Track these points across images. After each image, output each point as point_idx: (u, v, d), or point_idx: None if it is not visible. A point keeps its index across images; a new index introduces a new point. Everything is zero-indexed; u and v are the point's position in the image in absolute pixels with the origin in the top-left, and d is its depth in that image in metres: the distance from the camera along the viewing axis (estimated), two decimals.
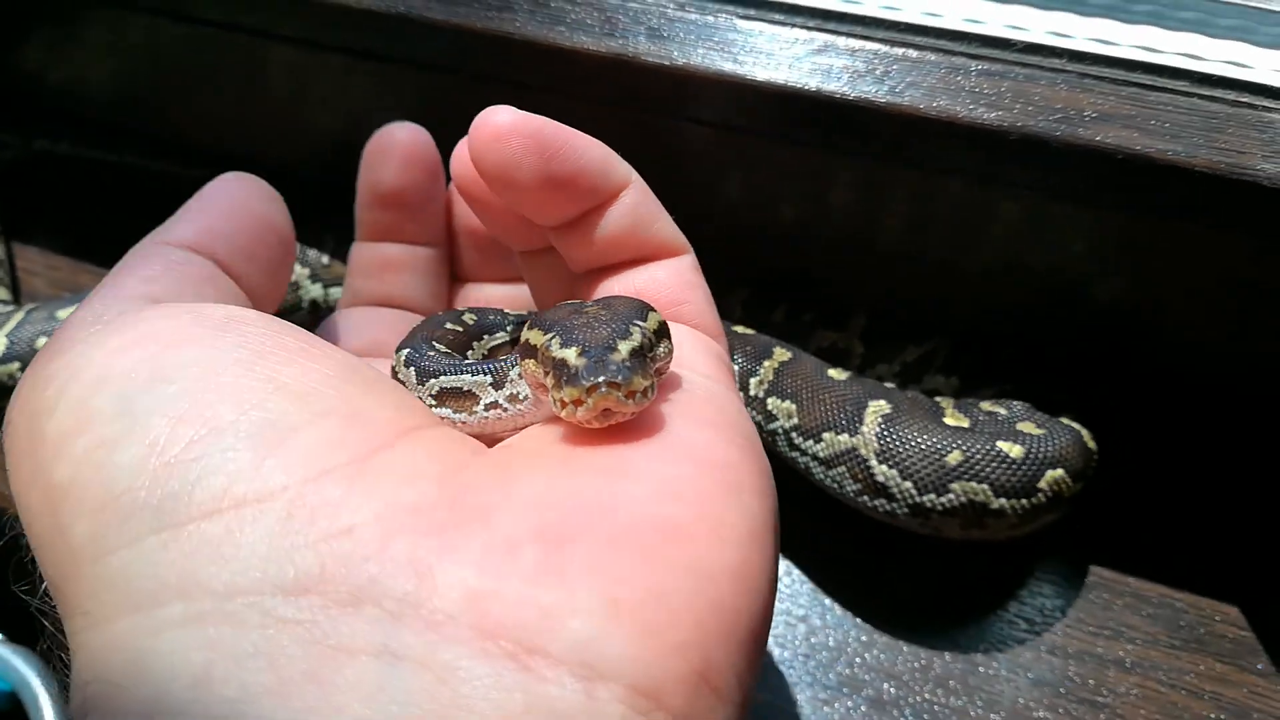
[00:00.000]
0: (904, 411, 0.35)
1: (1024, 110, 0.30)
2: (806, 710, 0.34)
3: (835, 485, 0.35)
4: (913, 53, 0.31)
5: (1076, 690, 0.34)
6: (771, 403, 0.37)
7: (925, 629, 0.36)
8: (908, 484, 0.33)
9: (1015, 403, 0.38)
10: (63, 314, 0.44)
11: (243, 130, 0.49)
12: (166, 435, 0.16)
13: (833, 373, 0.37)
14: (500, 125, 0.21)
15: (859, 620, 0.37)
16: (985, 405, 0.38)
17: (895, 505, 0.34)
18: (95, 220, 0.50)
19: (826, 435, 0.35)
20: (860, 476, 0.34)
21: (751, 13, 0.33)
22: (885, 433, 0.34)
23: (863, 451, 0.34)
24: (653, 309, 0.23)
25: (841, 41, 0.32)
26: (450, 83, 0.35)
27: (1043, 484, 0.33)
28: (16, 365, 0.43)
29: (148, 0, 0.40)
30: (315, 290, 0.45)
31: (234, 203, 0.23)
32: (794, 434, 0.36)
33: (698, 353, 0.23)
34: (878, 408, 0.35)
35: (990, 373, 0.41)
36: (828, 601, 0.37)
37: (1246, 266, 0.33)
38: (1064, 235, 0.35)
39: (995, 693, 0.34)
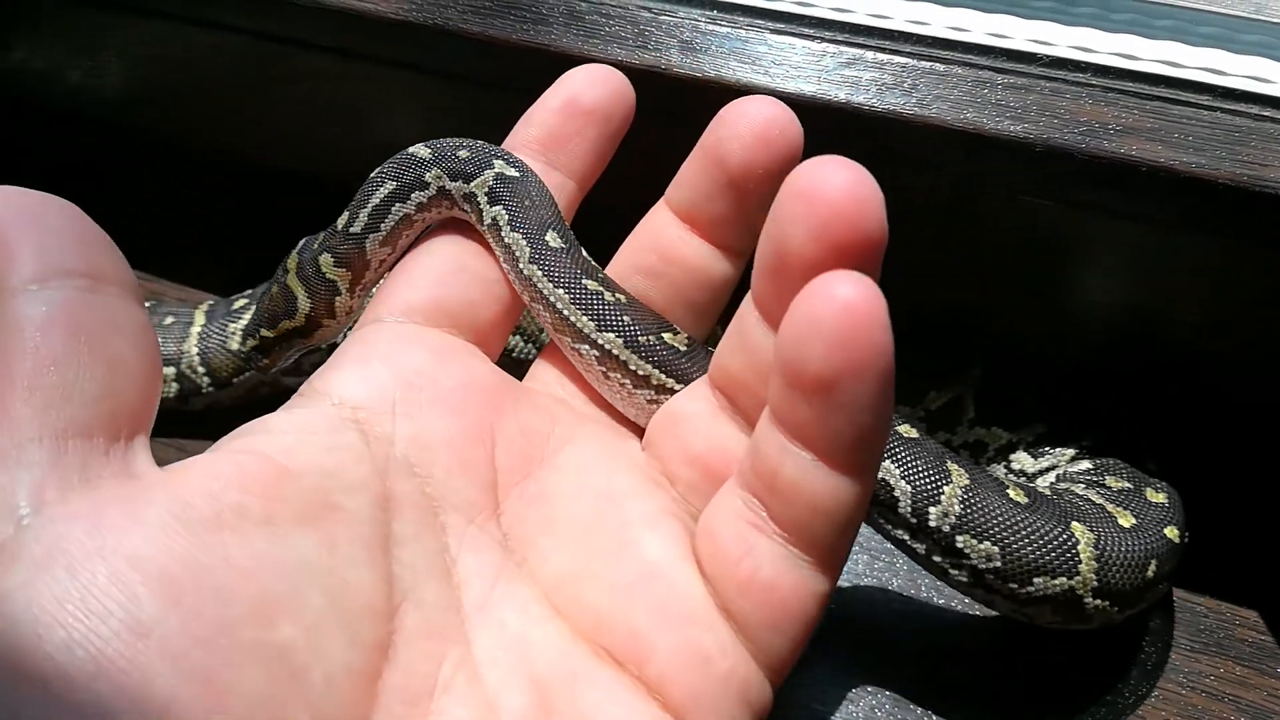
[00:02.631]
0: (1097, 522, 0.33)
1: (1050, 123, 0.31)
2: (823, 694, 0.34)
3: (1026, 618, 0.33)
4: (939, 66, 0.32)
5: (1095, 692, 0.35)
6: (963, 541, 0.32)
7: (940, 631, 0.37)
8: (1115, 609, 0.33)
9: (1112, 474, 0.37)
10: None
11: (293, 145, 0.50)
12: None
13: (1014, 494, 0.33)
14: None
15: (863, 614, 0.37)
16: (1112, 481, 0.37)
17: (1090, 625, 0.33)
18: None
19: (1039, 580, 0.32)
20: (1067, 610, 0.32)
21: (782, 27, 0.34)
22: (1103, 568, 0.32)
23: (1079, 590, 0.32)
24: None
25: (870, 55, 0.32)
26: (488, 97, 0.35)
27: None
28: None
29: (177, 8, 0.41)
30: None
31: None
32: (990, 575, 0.32)
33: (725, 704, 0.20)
34: (1081, 532, 0.32)
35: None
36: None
37: (1260, 277, 0.34)
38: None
39: (1012, 693, 0.35)
